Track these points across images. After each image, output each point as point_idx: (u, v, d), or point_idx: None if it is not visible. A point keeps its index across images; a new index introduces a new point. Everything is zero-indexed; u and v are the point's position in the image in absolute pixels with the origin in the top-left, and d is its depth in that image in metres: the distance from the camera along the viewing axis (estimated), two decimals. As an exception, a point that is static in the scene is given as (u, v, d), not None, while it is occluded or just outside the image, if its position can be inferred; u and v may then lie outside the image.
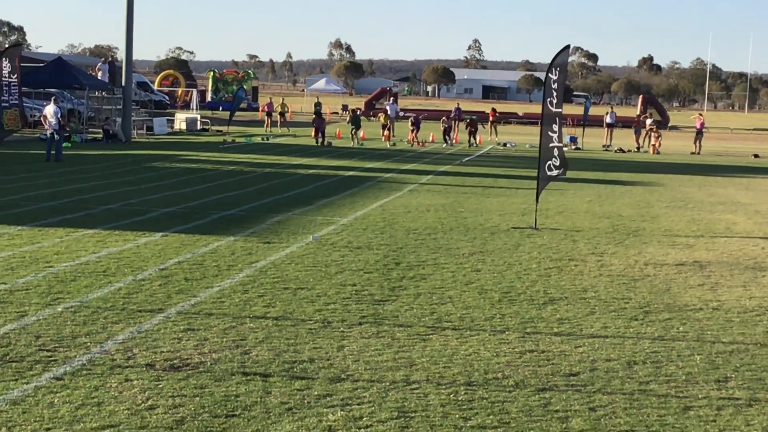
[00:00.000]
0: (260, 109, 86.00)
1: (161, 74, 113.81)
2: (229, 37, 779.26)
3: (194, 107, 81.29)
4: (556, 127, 22.90)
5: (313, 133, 56.33)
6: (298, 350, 11.60)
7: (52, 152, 37.05)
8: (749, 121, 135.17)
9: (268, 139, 57.38)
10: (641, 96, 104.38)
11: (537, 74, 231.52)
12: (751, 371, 11.52)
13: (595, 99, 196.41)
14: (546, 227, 23.13)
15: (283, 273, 16.26)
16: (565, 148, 23.28)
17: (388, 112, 61.97)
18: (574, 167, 39.32)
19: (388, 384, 10.42)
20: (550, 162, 23.04)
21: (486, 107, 79.96)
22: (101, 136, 50.70)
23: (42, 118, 39.06)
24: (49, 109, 37.61)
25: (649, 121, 63.50)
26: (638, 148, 60.71)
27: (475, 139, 59.04)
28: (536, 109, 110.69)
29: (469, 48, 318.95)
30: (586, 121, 66.38)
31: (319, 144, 53.96)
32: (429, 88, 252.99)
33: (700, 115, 65.91)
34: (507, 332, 12.95)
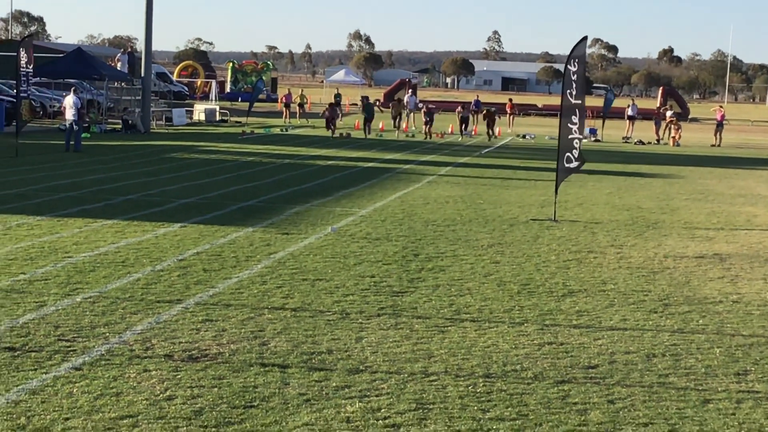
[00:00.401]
0: (279, 100, 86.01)
1: (180, 65, 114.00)
2: (249, 28, 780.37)
3: (213, 98, 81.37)
4: (576, 119, 22.81)
5: (325, 123, 55.21)
6: (317, 341, 11.60)
7: (71, 143, 37.16)
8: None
9: (286, 130, 57.44)
10: (661, 88, 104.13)
11: (556, 66, 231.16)
12: (771, 364, 11.47)
13: (615, 91, 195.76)
14: (565, 219, 23.08)
15: (302, 264, 16.25)
16: (584, 140, 23.16)
17: (408, 104, 61.97)
18: (594, 159, 39.25)
19: (406, 375, 10.41)
20: (569, 154, 22.96)
21: (505, 99, 79.72)
22: (120, 126, 50.83)
23: (62, 109, 39.19)
24: (69, 100, 37.73)
25: (669, 113, 63.31)
26: (658, 140, 60.54)
27: (493, 131, 57.54)
28: (556, 100, 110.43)
29: (489, 39, 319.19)
30: (606, 113, 66.17)
31: (332, 135, 52.66)
32: (448, 80, 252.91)
33: (721, 107, 65.74)
34: (526, 324, 12.92)
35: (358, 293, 14.28)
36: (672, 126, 60.21)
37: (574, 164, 23.16)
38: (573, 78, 22.68)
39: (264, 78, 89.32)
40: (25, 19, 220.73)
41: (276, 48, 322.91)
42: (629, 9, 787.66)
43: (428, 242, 19.06)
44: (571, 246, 19.36)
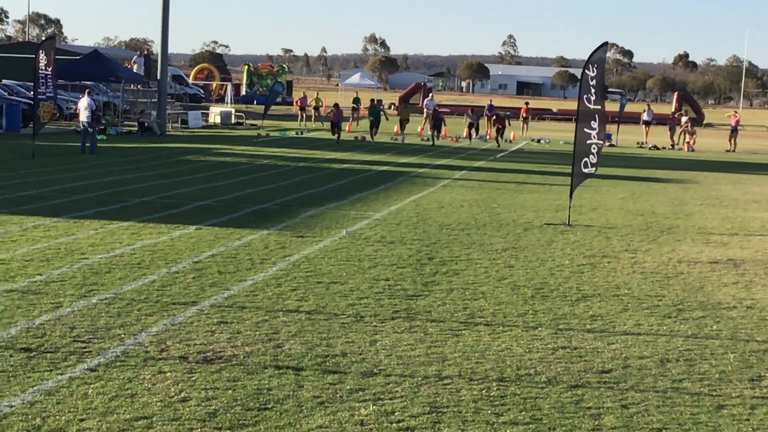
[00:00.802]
0: (294, 103, 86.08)
1: (196, 68, 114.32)
2: (264, 32, 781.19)
3: (229, 101, 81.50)
4: (594, 124, 22.73)
5: (330, 127, 53.21)
6: (331, 344, 11.62)
7: (87, 144, 37.27)
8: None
9: (301, 134, 57.50)
10: (676, 93, 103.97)
11: (572, 70, 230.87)
12: (785, 370, 11.47)
13: (630, 96, 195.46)
14: (579, 224, 23.07)
15: (317, 267, 16.28)
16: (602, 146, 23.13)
17: (427, 108, 61.98)
18: (609, 164, 39.24)
19: (420, 379, 10.42)
20: (586, 159, 22.92)
21: (520, 103, 79.65)
22: (136, 128, 50.95)
23: (77, 111, 39.37)
24: (83, 102, 37.85)
25: (684, 119, 63.20)
26: (673, 146, 60.44)
27: (502, 136, 55.44)
28: (571, 105, 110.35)
29: (504, 44, 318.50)
30: (621, 118, 66.07)
31: (337, 141, 50.49)
32: (463, 84, 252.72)
33: (736, 112, 65.57)
34: (540, 328, 12.93)
35: (372, 296, 14.30)
36: (686, 131, 60.11)
37: (591, 169, 23.12)
38: (591, 83, 22.63)
39: (280, 80, 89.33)
40: (42, 21, 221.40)
41: (291, 51, 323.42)
42: (645, 14, 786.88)
43: (442, 246, 19.07)
44: (585, 250, 19.36)
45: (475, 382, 10.38)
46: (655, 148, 58.77)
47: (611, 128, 61.37)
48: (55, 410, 8.95)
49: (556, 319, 13.51)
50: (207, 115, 64.29)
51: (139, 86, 59.37)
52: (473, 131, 57.94)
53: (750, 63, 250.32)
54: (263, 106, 65.51)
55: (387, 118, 59.93)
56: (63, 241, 17.59)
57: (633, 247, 20.11)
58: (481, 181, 33.05)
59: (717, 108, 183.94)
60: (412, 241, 19.44)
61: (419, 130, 58.40)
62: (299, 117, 68.87)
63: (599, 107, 22.79)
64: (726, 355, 11.98)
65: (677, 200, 29.63)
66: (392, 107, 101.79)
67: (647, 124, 63.82)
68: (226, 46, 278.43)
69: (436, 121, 54.80)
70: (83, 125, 37.56)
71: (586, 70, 22.65)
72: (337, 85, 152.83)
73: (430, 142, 53.84)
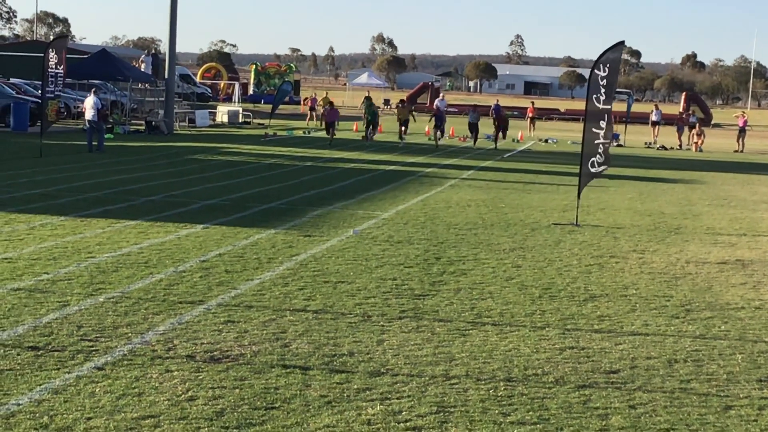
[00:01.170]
0: (302, 102, 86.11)
1: (204, 67, 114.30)
2: (272, 31, 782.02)
3: (236, 100, 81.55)
4: (603, 124, 22.67)
5: (324, 127, 51.48)
6: (338, 344, 11.62)
7: (94, 143, 37.32)
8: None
9: (309, 133, 57.48)
10: (684, 93, 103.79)
11: (579, 70, 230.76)
12: (794, 371, 11.44)
13: (637, 96, 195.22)
14: (587, 224, 23.04)
15: (324, 266, 16.28)
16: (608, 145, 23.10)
17: (439, 108, 61.93)
18: (616, 164, 39.18)
19: (427, 378, 10.41)
20: (593, 159, 22.87)
21: (527, 103, 79.60)
22: (144, 127, 50.99)
23: (83, 110, 39.45)
24: (89, 101, 37.90)
25: (692, 119, 63.15)
26: (680, 146, 60.36)
27: (504, 136, 53.89)
28: (578, 105, 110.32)
29: (512, 43, 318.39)
30: (628, 118, 65.98)
31: (330, 141, 48.32)
32: (471, 84, 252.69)
33: (744, 113, 65.45)
34: (547, 328, 12.91)
35: (379, 296, 14.29)
36: (694, 131, 60.03)
37: (599, 168, 23.07)
38: (602, 83, 22.53)
39: (287, 79, 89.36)
40: (50, 20, 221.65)
41: (299, 50, 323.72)
42: (653, 14, 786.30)
43: (450, 246, 19.06)
44: (593, 251, 19.34)
45: (483, 382, 10.37)
46: (663, 148, 58.72)
47: (618, 128, 61.30)
48: (63, 409, 8.95)
49: (563, 319, 13.49)
50: (214, 114, 64.32)
51: (146, 85, 59.47)
52: (472, 133, 53.44)
53: (758, 63, 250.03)
54: (271, 106, 65.47)
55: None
56: (70, 240, 17.60)
57: (641, 247, 20.08)
58: (488, 181, 33.03)
59: (725, 108, 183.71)
60: (420, 241, 19.42)
61: (426, 130, 58.13)
62: (308, 116, 68.83)
63: (608, 107, 22.73)
64: (734, 356, 11.95)
65: (685, 200, 29.59)
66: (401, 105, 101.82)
67: (656, 124, 63.69)
68: (234, 45, 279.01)
69: (438, 120, 52.01)
70: (89, 124, 37.62)
71: (597, 70, 22.55)
72: (345, 84, 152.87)
73: (435, 144, 51.21)
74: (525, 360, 11.32)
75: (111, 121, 48.05)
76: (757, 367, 11.53)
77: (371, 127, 52.29)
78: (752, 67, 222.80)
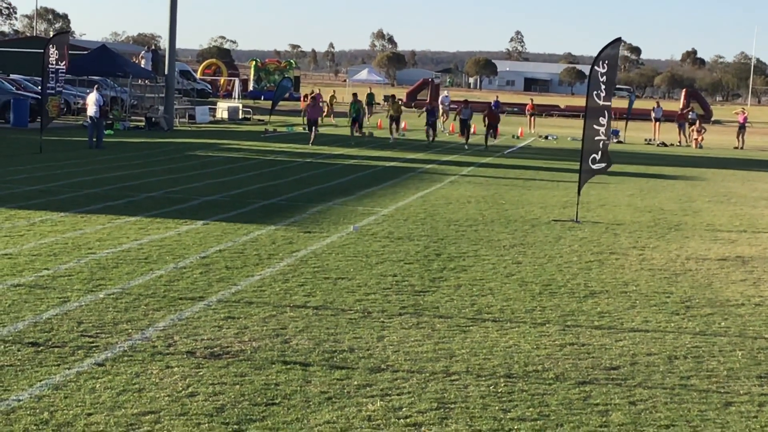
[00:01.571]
0: (301, 99, 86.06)
1: (204, 63, 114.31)
2: (272, 27, 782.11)
3: (236, 96, 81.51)
4: (603, 120, 22.67)
5: (306, 124, 48.13)
6: (338, 340, 11.62)
7: (95, 139, 37.30)
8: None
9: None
10: (684, 90, 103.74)
11: (579, 67, 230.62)
12: (794, 368, 11.44)
13: (638, 92, 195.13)
14: (587, 220, 23.04)
15: (324, 263, 16.28)
16: (607, 142, 23.12)
17: (442, 104, 61.84)
18: (617, 161, 39.16)
19: (427, 375, 10.41)
20: (594, 155, 22.87)
21: (527, 99, 79.58)
22: (144, 123, 50.97)
23: (85, 105, 39.48)
24: (91, 97, 37.90)
25: (691, 115, 63.15)
26: (680, 142, 60.33)
27: (494, 136, 50.89)
28: (578, 101, 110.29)
29: (512, 40, 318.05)
30: (629, 115, 65.95)
31: (310, 142, 44.88)
32: (471, 80, 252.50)
33: (744, 109, 65.44)
34: (547, 325, 12.92)
35: (379, 292, 14.29)
36: (694, 128, 60.03)
37: (599, 165, 23.07)
38: (601, 79, 22.53)
39: (287, 75, 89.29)
40: (50, 16, 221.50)
41: (299, 47, 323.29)
42: (653, 10, 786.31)
43: (450, 242, 19.06)
44: (593, 247, 19.34)
45: (483, 378, 10.37)
46: (663, 144, 58.72)
47: (619, 125, 61.26)
48: (63, 404, 8.96)
49: (563, 315, 13.50)
50: (214, 110, 64.30)
51: (146, 81, 59.42)
52: (464, 131, 50.48)
53: (758, 60, 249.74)
54: (271, 102, 65.45)
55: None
56: (70, 236, 17.60)
57: (641, 243, 20.08)
58: (488, 177, 33.03)
59: (725, 105, 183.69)
60: (420, 237, 19.43)
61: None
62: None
63: (608, 104, 22.73)
64: (734, 353, 11.96)
65: (685, 197, 29.59)
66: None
67: (657, 121, 63.64)
68: (234, 42, 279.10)
69: (430, 116, 50.28)
70: (91, 119, 37.62)
71: (597, 66, 22.56)
72: (345, 81, 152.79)
73: (428, 140, 50.05)
74: (525, 356, 11.32)
75: (111, 117, 48.01)
76: (757, 363, 11.53)
77: (356, 124, 50.28)
78: (752, 64, 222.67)
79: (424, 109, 54.99)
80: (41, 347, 10.70)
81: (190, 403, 9.15)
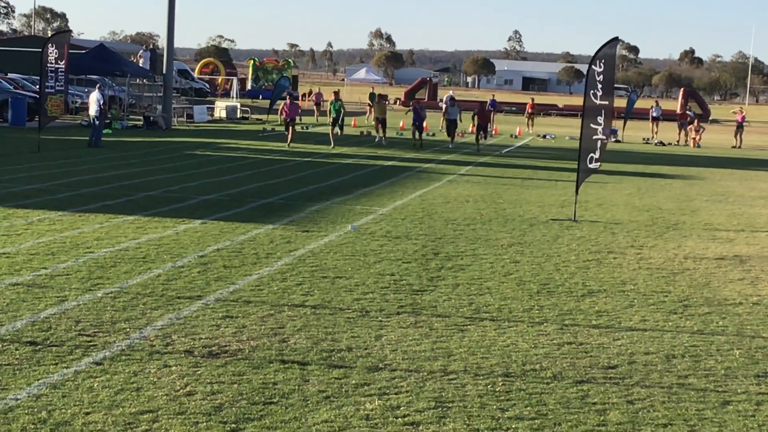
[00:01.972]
0: (299, 98, 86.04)
1: (202, 62, 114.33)
2: (270, 26, 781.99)
3: (234, 95, 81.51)
4: (600, 119, 22.69)
5: (283, 123, 45.87)
6: (336, 339, 11.62)
7: (93, 139, 37.30)
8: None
9: (307, 128, 57.44)
10: (682, 89, 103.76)
11: (577, 66, 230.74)
12: (791, 367, 11.44)
13: (635, 91, 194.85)
14: (585, 219, 23.05)
15: (322, 262, 16.28)
16: (605, 141, 23.15)
17: (447, 103, 61.85)
18: (615, 160, 39.23)
19: (425, 374, 10.42)
20: (591, 154, 22.90)
21: (526, 99, 79.56)
22: (142, 123, 50.92)
23: (87, 105, 39.57)
24: (93, 96, 37.91)
25: (689, 114, 63.16)
26: (678, 142, 60.33)
27: (485, 137, 47.92)
28: (576, 101, 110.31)
29: (510, 39, 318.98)
30: (629, 115, 65.91)
31: (288, 140, 42.76)
32: (469, 79, 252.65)
33: (741, 109, 65.45)
34: (545, 324, 12.92)
35: (377, 291, 14.30)
36: (692, 127, 60.06)
37: (596, 165, 23.11)
38: (598, 79, 22.55)
39: (285, 75, 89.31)
40: (48, 15, 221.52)
41: (297, 46, 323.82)
42: (651, 10, 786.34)
43: (448, 241, 19.06)
44: (591, 246, 19.34)
45: (481, 378, 10.37)
46: (661, 144, 58.72)
47: (617, 124, 61.21)
48: (61, 404, 8.96)
49: (561, 314, 13.50)
50: (212, 109, 64.31)
51: (144, 80, 59.37)
52: (451, 130, 48.78)
53: (756, 59, 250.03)
54: (269, 101, 65.44)
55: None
56: (68, 235, 17.60)
57: (639, 243, 20.09)
58: (486, 176, 33.03)
59: (723, 104, 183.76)
60: (418, 236, 19.43)
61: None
62: (315, 113, 68.88)
63: (606, 103, 22.75)
64: (732, 352, 11.96)
65: (683, 196, 29.60)
66: (398, 102, 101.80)
67: (656, 120, 63.58)
68: (232, 41, 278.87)
69: (417, 116, 45.96)
70: (92, 119, 37.65)
71: (594, 66, 22.58)
72: (343, 80, 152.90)
73: (414, 142, 45.99)
74: (523, 355, 11.33)
75: (109, 116, 47.99)
76: (754, 362, 11.54)
77: (336, 125, 46.21)
78: (750, 63, 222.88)
79: (410, 108, 52.67)
80: (39, 346, 10.70)
81: (188, 402, 9.16)
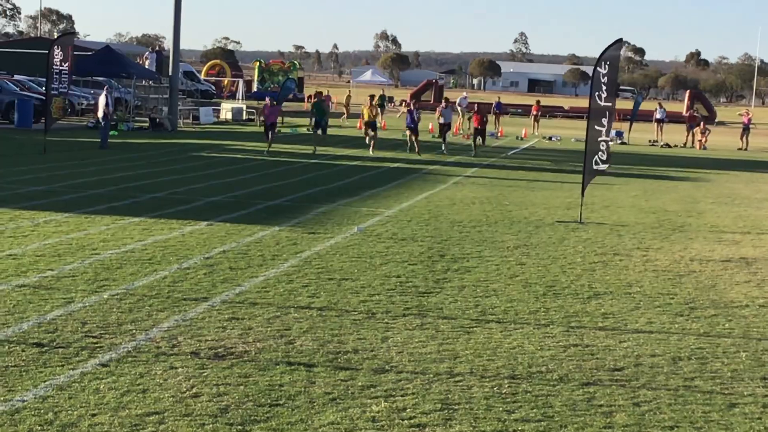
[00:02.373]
0: (305, 100, 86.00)
1: (208, 64, 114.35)
2: (276, 28, 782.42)
3: (240, 97, 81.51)
4: (605, 121, 22.71)
5: (262, 126, 43.52)
6: (343, 341, 11.62)
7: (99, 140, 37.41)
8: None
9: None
10: (688, 91, 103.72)
11: (583, 68, 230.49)
12: (798, 369, 11.43)
13: (642, 94, 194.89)
14: (591, 221, 23.03)
15: (328, 263, 16.28)
16: (610, 143, 23.16)
17: (461, 105, 61.93)
18: (621, 162, 39.19)
19: (431, 376, 10.41)
20: (597, 156, 22.89)
21: (531, 100, 79.56)
22: (148, 124, 50.99)
23: (95, 107, 39.74)
24: (102, 99, 38.02)
25: (697, 115, 63.15)
26: (685, 144, 60.28)
27: (483, 141, 45.03)
28: (582, 103, 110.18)
29: (516, 41, 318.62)
30: (634, 117, 65.84)
31: (268, 144, 40.17)
32: (475, 81, 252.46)
33: (748, 111, 65.40)
34: (551, 326, 12.91)
35: (384, 293, 14.29)
36: (698, 129, 60.02)
37: (602, 166, 23.10)
38: (603, 80, 22.57)
39: (291, 76, 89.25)
40: (54, 17, 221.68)
41: (303, 48, 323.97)
42: (657, 12, 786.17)
43: (454, 243, 19.06)
44: (597, 248, 19.33)
45: (487, 380, 10.37)
46: (667, 146, 58.69)
47: (623, 126, 61.15)
48: (67, 405, 8.96)
49: (567, 316, 13.49)
50: (218, 111, 64.33)
51: (150, 82, 59.42)
52: (443, 134, 45.58)
53: (762, 61, 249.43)
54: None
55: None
56: (74, 237, 17.62)
57: (645, 245, 20.08)
58: (492, 178, 33.03)
59: (729, 106, 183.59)
60: (424, 238, 19.43)
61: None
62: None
63: (610, 104, 22.76)
64: (738, 354, 11.95)
65: (689, 198, 29.58)
66: (403, 104, 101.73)
67: (660, 122, 63.53)
68: (238, 43, 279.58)
69: (411, 119, 43.45)
70: (99, 120, 37.75)
71: (599, 68, 22.59)
72: (349, 82, 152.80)
73: (409, 147, 43.24)
74: (529, 357, 11.32)
75: (115, 118, 48.05)
76: (761, 365, 11.52)
77: (319, 128, 42.49)
78: (756, 65, 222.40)
79: (405, 110, 51.51)
80: (45, 348, 10.71)
81: (194, 404, 9.16)
